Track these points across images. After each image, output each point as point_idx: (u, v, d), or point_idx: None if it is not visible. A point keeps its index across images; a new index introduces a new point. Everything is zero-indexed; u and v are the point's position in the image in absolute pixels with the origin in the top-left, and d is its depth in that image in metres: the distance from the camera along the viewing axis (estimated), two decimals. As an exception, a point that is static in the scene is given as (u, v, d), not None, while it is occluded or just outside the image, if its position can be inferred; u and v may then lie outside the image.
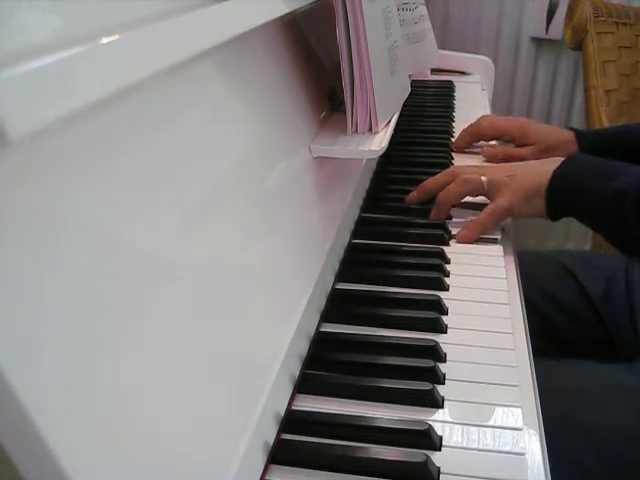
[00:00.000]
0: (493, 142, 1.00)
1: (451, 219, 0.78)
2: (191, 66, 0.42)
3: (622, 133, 0.93)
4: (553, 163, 0.73)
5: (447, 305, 0.61)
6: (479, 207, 0.77)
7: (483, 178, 0.76)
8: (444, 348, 0.54)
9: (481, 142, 1.00)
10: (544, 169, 0.73)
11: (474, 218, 0.75)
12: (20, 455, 0.24)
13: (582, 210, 0.71)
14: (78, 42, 0.28)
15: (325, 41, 0.75)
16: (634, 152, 0.86)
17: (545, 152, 0.91)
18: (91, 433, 0.27)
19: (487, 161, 0.94)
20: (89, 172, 0.30)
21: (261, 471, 0.41)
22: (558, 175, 0.72)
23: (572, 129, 0.94)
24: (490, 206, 0.75)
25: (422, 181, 0.81)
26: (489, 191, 0.76)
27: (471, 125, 1.00)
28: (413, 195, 0.81)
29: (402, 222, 0.77)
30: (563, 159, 0.73)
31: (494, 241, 0.74)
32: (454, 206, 0.79)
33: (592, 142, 0.91)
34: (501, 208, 0.74)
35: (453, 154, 0.99)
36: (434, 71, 1.40)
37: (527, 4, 1.79)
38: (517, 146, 0.96)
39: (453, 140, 1.03)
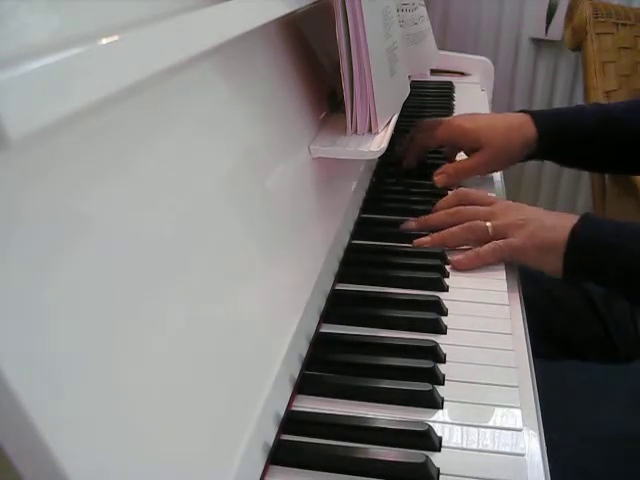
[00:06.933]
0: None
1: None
2: (191, 66, 0.42)
3: (575, 114, 0.91)
4: (568, 219, 0.68)
5: (447, 306, 0.61)
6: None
7: (488, 224, 0.70)
8: (444, 349, 0.54)
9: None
10: (560, 223, 0.68)
11: (478, 248, 0.69)
12: (20, 455, 0.24)
13: (601, 269, 0.66)
14: (78, 42, 0.28)
15: (325, 41, 0.75)
16: (585, 133, 0.87)
17: (500, 150, 0.85)
18: (91, 433, 0.27)
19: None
20: (89, 172, 0.30)
21: (261, 472, 0.41)
22: (578, 233, 0.66)
23: (525, 111, 0.89)
24: (499, 242, 0.68)
25: (422, 183, 0.84)
26: (495, 237, 0.69)
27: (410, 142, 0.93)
28: (411, 224, 0.76)
29: (402, 223, 0.77)
30: (577, 217, 0.68)
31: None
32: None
33: (548, 123, 0.87)
34: (510, 246, 0.68)
35: None
36: (434, 72, 1.40)
37: (527, 5, 1.79)
38: (467, 153, 0.89)
39: None
